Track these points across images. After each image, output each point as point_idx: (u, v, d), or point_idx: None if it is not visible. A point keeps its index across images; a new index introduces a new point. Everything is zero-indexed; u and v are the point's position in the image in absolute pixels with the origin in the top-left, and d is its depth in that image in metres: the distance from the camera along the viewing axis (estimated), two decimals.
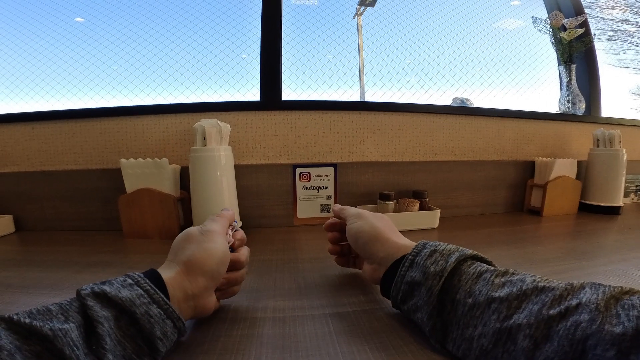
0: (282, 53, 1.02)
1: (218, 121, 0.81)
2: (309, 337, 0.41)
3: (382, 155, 1.03)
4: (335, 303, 0.51)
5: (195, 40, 1.17)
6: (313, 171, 0.96)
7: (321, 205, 0.98)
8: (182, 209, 0.91)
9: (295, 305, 0.50)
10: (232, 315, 0.47)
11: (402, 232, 0.88)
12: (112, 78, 1.13)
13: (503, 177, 1.12)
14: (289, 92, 1.05)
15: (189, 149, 0.80)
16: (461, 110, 1.10)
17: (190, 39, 1.18)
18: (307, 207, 0.97)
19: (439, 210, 0.92)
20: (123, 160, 0.85)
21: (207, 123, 0.80)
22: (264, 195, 0.95)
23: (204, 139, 0.80)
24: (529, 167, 1.14)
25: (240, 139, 0.96)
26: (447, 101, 1.55)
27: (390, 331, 0.41)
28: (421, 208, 0.94)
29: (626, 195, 1.27)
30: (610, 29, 2.29)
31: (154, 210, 0.87)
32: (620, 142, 1.10)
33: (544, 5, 1.52)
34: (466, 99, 2.34)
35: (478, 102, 1.55)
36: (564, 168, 1.08)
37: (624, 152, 1.09)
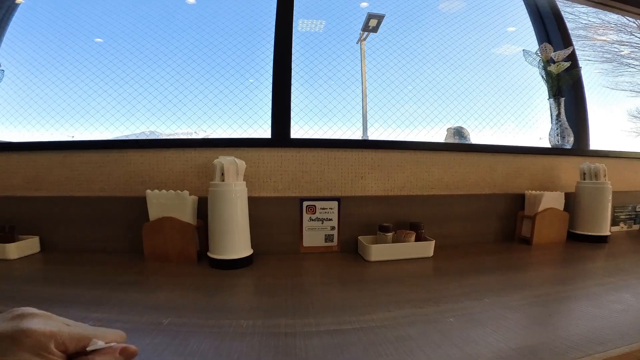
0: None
1: (235, 159, 0.91)
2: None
3: (382, 190, 1.12)
4: (340, 321, 0.59)
5: (213, 76, 1.30)
6: (318, 204, 1.05)
7: (325, 235, 1.06)
8: (199, 235, 1.00)
9: (305, 322, 0.58)
10: (249, 330, 0.55)
11: (400, 260, 0.98)
12: (137, 110, 1.25)
13: (494, 209, 1.20)
14: (297, 124, 1.17)
15: (206, 181, 0.90)
16: (456, 147, 1.20)
17: (209, 77, 1.31)
18: (312, 236, 1.06)
19: (434, 241, 1.01)
20: (149, 191, 0.95)
21: (226, 160, 0.90)
22: (274, 225, 1.04)
23: (222, 174, 0.90)
24: (519, 199, 1.23)
25: (253, 173, 1.06)
26: (443, 129, 1.67)
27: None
28: (417, 239, 1.02)
29: (615, 224, 1.35)
30: (605, 50, 2.29)
31: (174, 236, 0.95)
32: (605, 175, 1.19)
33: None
34: (461, 128, 2.45)
35: (473, 130, 1.67)
36: (552, 200, 1.16)
37: (609, 184, 1.18)
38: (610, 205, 1.17)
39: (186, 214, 0.95)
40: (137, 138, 1.07)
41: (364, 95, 1.60)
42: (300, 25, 1.43)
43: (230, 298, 0.70)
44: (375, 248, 0.97)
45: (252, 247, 0.97)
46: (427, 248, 1.01)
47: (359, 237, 1.04)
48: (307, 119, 1.31)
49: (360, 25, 1.62)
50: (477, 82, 1.64)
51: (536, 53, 1.40)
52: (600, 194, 1.17)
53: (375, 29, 1.64)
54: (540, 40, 1.59)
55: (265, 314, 0.62)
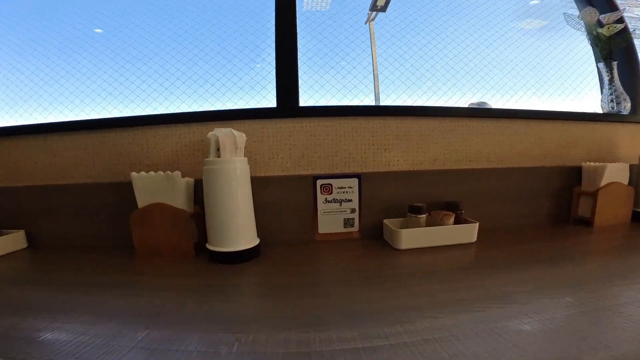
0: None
1: (232, 130, 0.75)
2: None
3: (409, 164, 0.94)
4: (368, 334, 0.43)
5: (209, 47, 1.13)
6: (335, 183, 0.88)
7: (344, 219, 0.90)
8: (197, 225, 0.85)
9: (322, 337, 0.43)
10: (247, 349, 0.40)
11: (436, 248, 0.80)
12: (125, 87, 1.09)
13: (545, 185, 1.00)
14: (303, 102, 0.98)
15: (202, 160, 0.75)
16: (498, 113, 1.00)
17: (204, 48, 1.14)
18: (329, 221, 0.89)
19: (477, 224, 0.83)
20: (134, 173, 0.81)
21: (221, 132, 0.74)
22: (283, 209, 0.88)
23: (218, 149, 0.74)
24: (575, 173, 1.03)
25: (256, 149, 0.90)
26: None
27: None
28: (456, 221, 0.85)
29: None
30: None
31: (166, 227, 0.81)
32: None
33: (574, 2, 1.41)
34: (484, 103, 2.21)
35: (495, 105, 1.45)
36: (616, 173, 0.96)
37: None
38: None
39: (179, 199, 0.81)
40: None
41: (375, 77, 1.40)
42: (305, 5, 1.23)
43: (226, 303, 0.55)
44: (406, 234, 0.80)
45: (258, 236, 0.82)
46: (470, 232, 0.83)
47: (385, 221, 0.88)
48: (312, 91, 1.13)
49: (368, 5, 1.41)
50: (497, 57, 1.40)
51: (578, 17, 1.18)
52: None
53: (384, 8, 1.43)
54: (581, 6, 1.35)
55: (271, 325, 0.47)
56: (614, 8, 1.24)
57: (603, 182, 0.94)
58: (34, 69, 1.14)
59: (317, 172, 0.91)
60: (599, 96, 1.23)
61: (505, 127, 1.00)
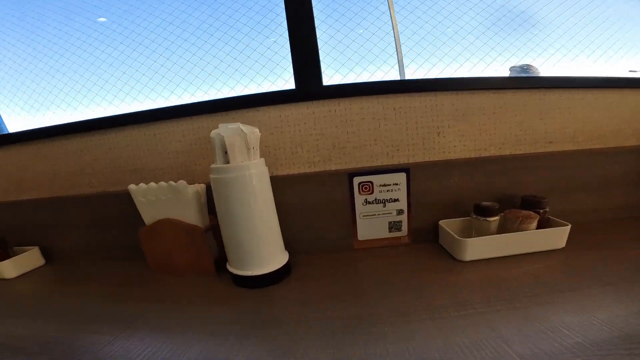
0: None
1: (241, 125, 0.58)
2: None
3: (471, 150, 0.74)
4: None
5: (208, 22, 0.92)
6: (376, 180, 0.70)
7: (389, 222, 0.73)
8: (216, 236, 0.72)
9: None
10: None
11: (512, 257, 0.62)
12: (116, 79, 0.93)
13: None
14: (327, 80, 0.77)
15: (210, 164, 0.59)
16: (586, 82, 0.75)
17: (202, 24, 0.93)
18: (371, 226, 0.73)
19: (569, 227, 0.63)
20: (132, 186, 0.67)
21: (227, 130, 0.57)
22: (313, 213, 0.72)
23: (226, 152, 0.58)
24: None
25: (275, 142, 0.73)
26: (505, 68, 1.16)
27: None
28: (539, 222, 0.65)
29: None
30: None
31: (180, 244, 0.69)
32: None
33: None
34: (528, 66, 1.85)
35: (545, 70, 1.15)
36: None
37: None
38: None
39: (189, 212, 0.67)
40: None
41: (396, 40, 1.13)
42: None
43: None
44: (472, 244, 0.62)
45: (290, 244, 0.68)
46: (558, 237, 0.64)
47: (441, 223, 0.70)
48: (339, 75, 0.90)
49: None
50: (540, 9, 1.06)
51: None
52: None
53: None
54: None
55: None
56: None
57: None
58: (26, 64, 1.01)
59: (352, 166, 0.73)
60: None
61: (596, 98, 0.75)
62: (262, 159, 0.62)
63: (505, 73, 1.17)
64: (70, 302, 0.63)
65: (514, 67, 2.07)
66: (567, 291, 0.49)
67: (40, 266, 0.83)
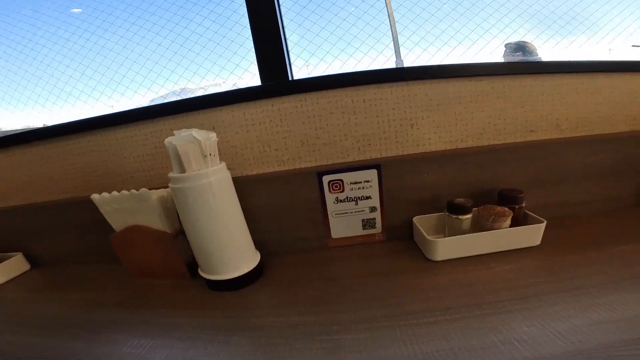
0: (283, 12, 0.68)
1: (195, 132, 0.55)
2: None
3: (447, 142, 0.70)
4: None
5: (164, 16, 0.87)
6: (346, 177, 0.68)
7: (363, 220, 0.71)
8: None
9: None
10: None
11: (486, 255, 0.60)
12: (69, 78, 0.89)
13: (637, 156, 0.72)
14: (298, 70, 0.72)
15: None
16: (571, 67, 0.69)
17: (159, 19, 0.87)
18: (344, 224, 0.71)
19: (544, 224, 0.60)
20: (95, 196, 0.66)
21: (180, 139, 0.55)
22: (286, 213, 0.71)
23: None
24: None
25: (242, 142, 0.70)
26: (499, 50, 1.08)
27: None
28: (514, 218, 0.63)
29: None
30: None
31: (152, 248, 0.68)
32: None
33: None
34: (524, 42, 1.74)
35: (542, 47, 1.07)
36: None
37: None
38: None
39: (155, 218, 0.66)
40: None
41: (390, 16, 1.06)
42: None
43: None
44: (443, 244, 0.60)
45: (261, 246, 0.68)
46: (533, 235, 0.61)
47: (415, 220, 0.68)
48: (307, 53, 0.85)
49: None
50: None
51: None
52: None
53: None
54: None
55: None
56: None
57: None
58: None
59: (323, 163, 0.70)
60: None
61: (581, 83, 0.69)
62: (223, 164, 0.59)
63: (502, 50, 1.11)
64: (54, 308, 0.64)
65: (509, 43, 1.96)
66: (531, 297, 0.48)
67: (26, 271, 0.84)
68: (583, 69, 0.69)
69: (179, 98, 0.96)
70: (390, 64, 0.95)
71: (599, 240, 0.61)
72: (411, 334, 0.43)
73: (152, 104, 0.72)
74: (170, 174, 0.57)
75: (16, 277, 0.81)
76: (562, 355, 0.36)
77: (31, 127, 1.02)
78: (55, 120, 0.98)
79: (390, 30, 1.07)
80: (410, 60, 0.97)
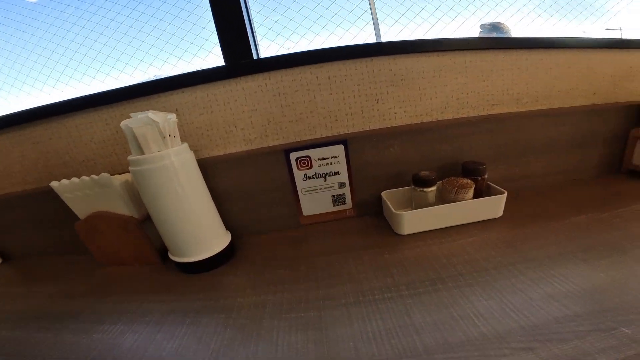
0: None
1: (151, 113, 0.54)
2: None
3: (412, 116, 0.71)
4: None
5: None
6: (314, 154, 0.68)
7: (333, 196, 0.72)
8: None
9: None
10: None
11: (450, 228, 0.61)
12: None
13: (595, 128, 0.74)
14: (267, 46, 0.71)
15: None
16: (532, 42, 0.70)
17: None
18: (314, 201, 0.72)
19: (505, 195, 0.62)
20: (54, 183, 0.64)
21: (136, 122, 0.53)
22: (256, 193, 0.71)
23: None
24: (633, 113, 0.75)
25: (207, 123, 0.69)
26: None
27: None
28: (477, 191, 0.65)
29: None
30: None
31: (119, 236, 0.67)
32: None
33: None
34: (499, 23, 1.78)
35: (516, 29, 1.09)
36: None
37: None
38: None
39: (120, 204, 0.64)
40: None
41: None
42: None
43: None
44: (408, 217, 0.61)
45: (234, 227, 0.68)
46: (494, 206, 0.63)
47: (383, 195, 0.69)
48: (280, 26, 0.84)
49: None
50: None
51: None
52: None
53: None
54: None
55: None
56: None
57: None
58: None
59: (291, 140, 0.70)
60: None
61: (540, 59, 0.71)
62: (185, 144, 0.58)
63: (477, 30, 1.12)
64: (19, 302, 0.62)
65: (484, 24, 1.98)
66: (491, 269, 0.49)
67: None
68: (542, 44, 0.71)
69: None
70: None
71: (558, 212, 0.64)
72: (375, 309, 0.45)
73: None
74: (130, 157, 0.55)
75: None
76: (516, 330, 0.38)
77: None
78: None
79: (369, 8, 1.08)
80: (391, 37, 0.98)
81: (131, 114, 0.55)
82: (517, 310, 0.40)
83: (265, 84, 0.66)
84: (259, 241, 0.69)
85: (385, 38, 1.03)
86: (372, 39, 1.02)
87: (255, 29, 0.73)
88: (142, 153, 0.54)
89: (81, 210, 0.67)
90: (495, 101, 0.72)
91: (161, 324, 0.48)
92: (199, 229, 0.61)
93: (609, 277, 0.44)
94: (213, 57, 0.76)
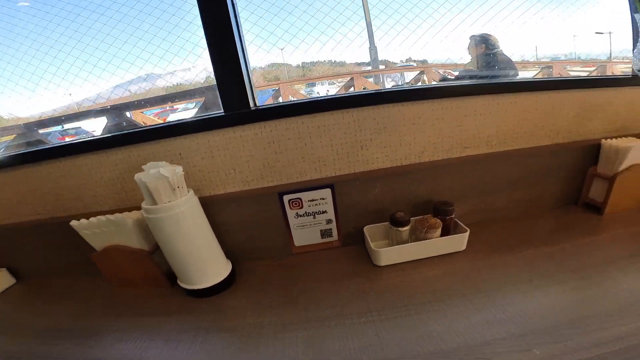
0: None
1: (162, 170, 0.61)
2: None
3: (392, 160, 0.79)
4: None
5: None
6: (304, 196, 0.76)
7: (321, 230, 0.81)
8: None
9: None
10: None
11: (421, 260, 0.73)
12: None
13: (557, 166, 0.84)
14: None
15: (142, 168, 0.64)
16: (502, 87, 0.78)
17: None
18: (305, 234, 0.81)
19: (467, 233, 0.73)
20: (74, 222, 0.72)
21: (149, 177, 0.61)
22: (253, 226, 0.79)
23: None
24: (592, 151, 0.84)
25: (208, 167, 0.76)
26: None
27: None
28: (446, 228, 0.75)
29: None
30: None
31: (131, 264, 0.76)
32: None
33: None
34: (487, 35, 1.86)
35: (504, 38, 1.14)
36: None
37: None
38: None
39: (133, 238, 0.73)
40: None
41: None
42: None
43: None
44: (384, 252, 0.72)
45: (233, 255, 0.78)
46: (459, 242, 0.74)
47: (365, 230, 0.79)
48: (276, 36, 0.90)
49: None
50: None
51: None
52: None
53: None
54: None
55: None
56: None
57: (623, 166, 0.77)
58: None
59: (283, 181, 0.78)
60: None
61: (512, 102, 0.79)
62: (191, 192, 0.66)
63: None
64: (43, 318, 0.72)
65: (473, 36, 2.05)
66: (446, 299, 0.60)
67: (12, 285, 0.90)
68: (512, 89, 0.79)
69: (145, 83, 1.00)
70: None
71: (513, 245, 0.74)
72: (352, 331, 0.55)
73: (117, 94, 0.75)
74: (144, 205, 0.63)
75: (3, 291, 0.87)
76: (457, 350, 0.48)
77: None
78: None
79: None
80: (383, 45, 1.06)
81: (143, 167, 0.62)
82: (460, 334, 0.51)
83: (261, 132, 0.73)
84: (256, 267, 0.79)
85: (379, 44, 1.11)
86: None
87: (251, 69, 0.79)
88: (155, 203, 0.62)
89: (97, 243, 0.75)
90: (468, 144, 0.80)
91: (178, 341, 0.59)
92: (204, 261, 0.70)
93: (539, 305, 0.55)
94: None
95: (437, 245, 0.73)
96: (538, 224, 0.83)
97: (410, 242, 0.75)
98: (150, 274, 0.77)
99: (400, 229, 0.73)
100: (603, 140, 0.83)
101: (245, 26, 0.75)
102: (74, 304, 0.76)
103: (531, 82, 0.79)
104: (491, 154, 0.81)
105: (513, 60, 1.62)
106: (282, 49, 1.07)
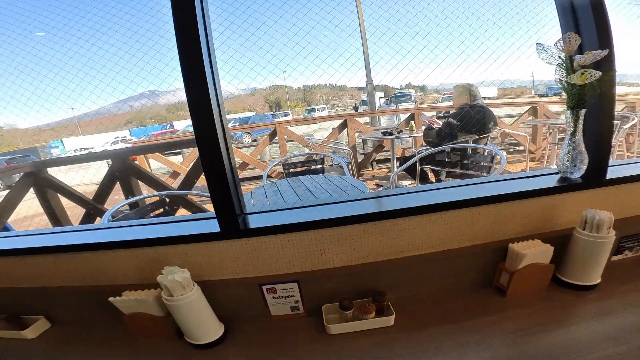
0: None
1: (176, 276, 0.90)
2: None
3: (344, 261, 1.06)
4: None
5: None
6: (278, 286, 1.04)
7: (291, 306, 1.10)
8: None
9: None
10: None
11: (360, 332, 1.02)
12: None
13: (474, 262, 1.10)
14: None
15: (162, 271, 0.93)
16: (430, 208, 1.02)
17: None
18: (279, 308, 1.10)
19: (393, 316, 1.00)
20: (111, 298, 1.01)
21: (168, 280, 0.90)
22: (241, 302, 1.08)
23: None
24: (504, 249, 1.09)
25: (206, 262, 1.04)
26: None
27: None
28: (380, 309, 1.03)
29: (619, 252, 1.19)
30: None
31: (151, 324, 1.06)
32: (610, 226, 0.99)
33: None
34: (470, 85, 2.13)
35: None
36: (536, 257, 1.03)
37: (612, 236, 1.00)
38: (607, 256, 1.02)
39: (152, 309, 1.02)
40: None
41: (364, 41, 1.36)
42: None
43: None
44: (334, 328, 1.00)
45: (227, 318, 1.05)
46: (387, 321, 1.01)
47: (323, 308, 1.07)
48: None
49: None
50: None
51: (556, 45, 0.98)
52: (598, 249, 1.00)
53: None
54: (565, 29, 1.06)
55: None
56: (604, 44, 1.00)
57: (522, 265, 1.04)
58: None
59: (263, 274, 1.06)
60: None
61: (438, 218, 1.04)
62: (196, 287, 0.95)
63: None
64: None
65: (457, 85, 2.32)
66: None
67: (48, 328, 1.18)
68: (439, 209, 1.04)
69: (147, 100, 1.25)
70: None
71: (431, 322, 1.01)
72: None
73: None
74: (163, 295, 0.92)
75: (41, 334, 1.16)
76: None
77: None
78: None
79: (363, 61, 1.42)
80: (379, 78, 1.37)
81: (162, 270, 0.90)
82: None
83: (247, 244, 1.00)
84: (244, 328, 1.07)
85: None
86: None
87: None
88: (172, 295, 0.91)
89: (126, 310, 1.04)
90: (402, 250, 1.07)
91: None
92: (205, 327, 0.99)
93: None
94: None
95: (372, 322, 1.01)
96: (458, 303, 1.10)
97: (354, 319, 1.03)
98: (163, 330, 1.06)
99: (346, 312, 1.01)
100: (510, 245, 1.09)
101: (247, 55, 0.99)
102: (102, 349, 1.06)
103: (454, 202, 1.04)
104: (421, 255, 1.08)
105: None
106: (283, 71, 1.34)
